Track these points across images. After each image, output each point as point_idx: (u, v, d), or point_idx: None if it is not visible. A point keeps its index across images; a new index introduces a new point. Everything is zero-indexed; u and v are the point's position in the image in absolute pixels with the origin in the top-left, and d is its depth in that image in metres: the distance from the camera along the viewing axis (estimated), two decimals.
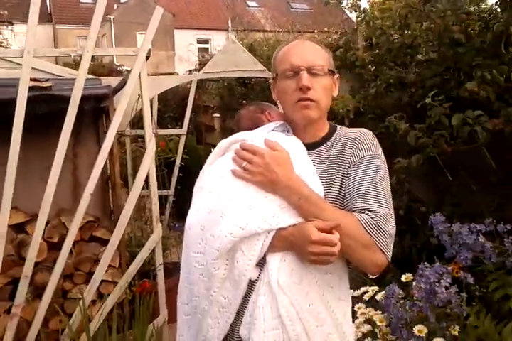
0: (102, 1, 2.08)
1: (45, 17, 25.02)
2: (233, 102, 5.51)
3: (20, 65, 3.20)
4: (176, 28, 23.82)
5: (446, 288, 1.86)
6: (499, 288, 2.04)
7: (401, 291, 2.11)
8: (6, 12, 23.48)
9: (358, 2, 3.63)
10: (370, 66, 3.80)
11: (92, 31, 2.17)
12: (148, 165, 2.37)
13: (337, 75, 1.38)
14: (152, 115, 3.99)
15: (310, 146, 1.34)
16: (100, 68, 15.86)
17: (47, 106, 2.79)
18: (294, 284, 1.19)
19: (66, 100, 2.50)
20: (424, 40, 3.24)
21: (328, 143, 1.35)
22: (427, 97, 2.58)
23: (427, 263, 1.99)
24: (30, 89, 2.75)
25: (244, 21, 21.56)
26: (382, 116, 3.30)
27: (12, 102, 2.41)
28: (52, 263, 3.21)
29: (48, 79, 2.85)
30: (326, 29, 4.36)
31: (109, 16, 21.82)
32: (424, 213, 3.11)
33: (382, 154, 1.34)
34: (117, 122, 2.31)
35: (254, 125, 1.45)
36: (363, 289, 2.36)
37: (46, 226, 3.26)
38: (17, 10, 23.95)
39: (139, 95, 3.35)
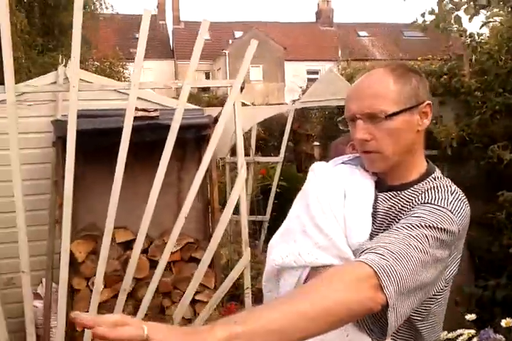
0: (200, 42, 2.26)
1: (169, 54, 27.26)
2: (333, 131, 5.51)
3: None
4: (286, 60, 24.56)
5: None
6: None
7: (500, 336, 1.93)
8: (135, 50, 26.03)
9: (463, 27, 3.51)
10: (476, 92, 3.63)
11: (191, 66, 2.37)
12: (239, 190, 2.47)
13: (425, 103, 1.13)
14: (251, 143, 4.16)
15: (386, 187, 1.17)
16: (214, 100, 16.85)
17: (153, 134, 3.04)
18: None
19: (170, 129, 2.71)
20: None
21: (401, 190, 1.14)
22: None
23: None
24: (139, 118, 3.04)
25: (355, 51, 21.64)
26: (490, 145, 3.12)
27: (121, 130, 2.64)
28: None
29: (155, 110, 3.13)
30: (430, 56, 4.25)
31: (224, 51, 23.17)
32: None
33: (460, 216, 1.04)
34: (211, 150, 2.46)
35: (337, 155, 1.37)
36: (458, 331, 2.19)
37: (150, 245, 3.52)
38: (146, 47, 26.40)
39: None
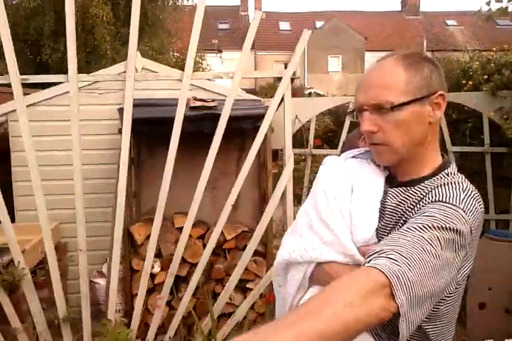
0: (252, 32, 2.28)
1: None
2: None
3: (199, 87, 3.67)
4: (367, 50, 23.94)
5: None
6: None
7: None
8: (216, 41, 26.61)
9: None
10: None
11: (242, 57, 2.39)
12: (285, 181, 2.48)
13: (437, 94, 1.07)
14: (309, 135, 4.13)
15: (396, 183, 1.13)
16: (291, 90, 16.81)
17: (211, 124, 3.11)
18: None
19: (228, 119, 2.76)
20: None
21: (411, 186, 1.10)
22: None
23: None
24: (196, 108, 3.13)
25: (442, 41, 20.64)
26: None
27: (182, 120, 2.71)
28: (207, 265, 3.53)
29: (213, 100, 3.20)
30: (505, 46, 3.96)
31: None
32: None
33: (473, 215, 0.99)
34: (259, 140, 2.49)
35: (350, 149, 1.33)
36: None
37: (207, 232, 3.63)
38: (227, 39, 26.91)
39: (296, 116, 3.53)
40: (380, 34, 26.03)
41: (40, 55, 9.49)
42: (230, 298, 3.48)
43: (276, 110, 3.14)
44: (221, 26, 28.45)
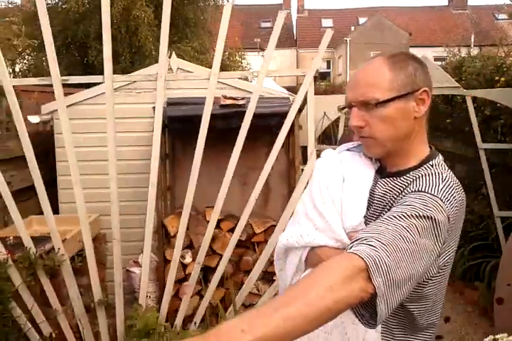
0: (276, 33, 2.37)
1: (292, 42, 27.56)
2: (435, 121, 5.22)
3: (230, 85, 3.81)
4: (413, 46, 23.46)
5: None
6: None
7: None
8: (259, 40, 26.74)
9: None
10: None
11: (267, 56, 2.50)
12: (307, 176, 2.57)
13: (421, 90, 1.15)
14: (337, 132, 4.19)
15: (385, 174, 1.22)
16: (331, 87, 16.85)
17: (240, 121, 3.23)
18: None
19: (256, 116, 2.88)
20: None
21: (398, 176, 1.18)
22: None
23: None
24: (226, 106, 3.26)
25: (490, 36, 19.98)
26: None
27: (212, 117, 2.84)
28: (237, 257, 3.66)
29: (243, 98, 3.32)
30: None
31: (345, 38, 22.81)
32: None
33: (450, 204, 1.06)
34: (282, 137, 2.59)
35: (345, 143, 1.42)
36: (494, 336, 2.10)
37: (236, 225, 3.77)
38: (269, 37, 26.98)
39: (324, 113, 3.60)
40: (425, 30, 25.44)
41: (86, 57, 9.91)
42: (258, 290, 3.61)
43: (303, 108, 3.23)
44: (263, 25, 28.55)
